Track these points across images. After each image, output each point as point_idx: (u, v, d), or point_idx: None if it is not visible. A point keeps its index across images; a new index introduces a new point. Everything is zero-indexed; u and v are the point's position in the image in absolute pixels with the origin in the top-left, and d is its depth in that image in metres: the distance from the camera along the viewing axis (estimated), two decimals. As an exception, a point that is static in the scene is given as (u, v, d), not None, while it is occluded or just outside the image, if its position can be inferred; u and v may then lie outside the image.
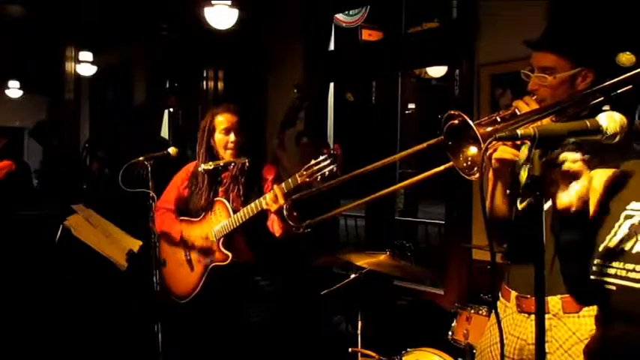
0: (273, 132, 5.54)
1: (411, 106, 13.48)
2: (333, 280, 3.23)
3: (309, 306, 4.26)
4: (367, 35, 8.56)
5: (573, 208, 1.49)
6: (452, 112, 1.66)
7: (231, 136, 3.06)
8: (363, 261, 2.99)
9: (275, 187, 2.81)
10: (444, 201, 4.73)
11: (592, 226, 1.53)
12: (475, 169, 1.65)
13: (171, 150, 3.28)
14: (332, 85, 5.57)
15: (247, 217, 2.92)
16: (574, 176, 1.47)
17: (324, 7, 5.45)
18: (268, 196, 2.81)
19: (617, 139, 1.42)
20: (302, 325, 4.21)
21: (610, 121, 1.41)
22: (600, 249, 1.44)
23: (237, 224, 2.96)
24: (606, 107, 1.65)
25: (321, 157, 2.65)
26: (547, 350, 1.97)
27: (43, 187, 7.71)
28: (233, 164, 3.07)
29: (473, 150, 1.64)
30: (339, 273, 4.21)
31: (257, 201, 2.88)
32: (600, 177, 1.66)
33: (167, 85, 8.55)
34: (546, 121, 1.79)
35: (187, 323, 3.26)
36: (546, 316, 1.97)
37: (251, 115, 5.66)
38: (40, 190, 7.82)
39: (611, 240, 1.43)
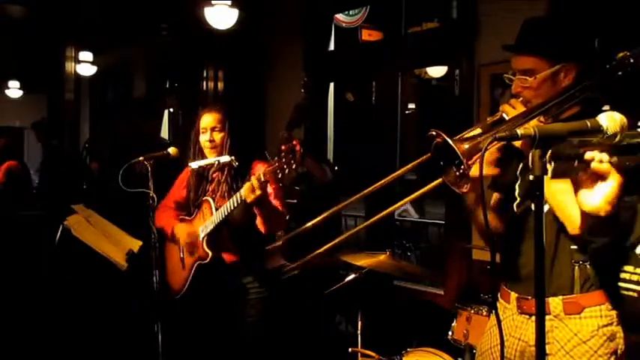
0: (273, 132, 5.54)
1: (411, 106, 13.45)
2: (333, 280, 3.24)
3: (309, 306, 4.26)
4: (367, 35, 8.55)
5: (602, 213, 1.45)
6: (432, 132, 1.66)
7: (208, 135, 3.09)
8: (363, 261, 2.99)
9: (252, 177, 2.81)
10: (444, 201, 4.72)
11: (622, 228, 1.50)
12: (464, 182, 1.66)
13: (171, 150, 3.30)
14: (332, 85, 5.57)
15: (227, 213, 2.94)
16: (600, 177, 1.45)
17: (324, 7, 5.45)
18: (245, 186, 2.82)
19: (617, 138, 1.42)
20: (302, 325, 4.21)
21: (610, 120, 1.41)
22: (637, 252, 1.41)
23: (219, 221, 2.98)
24: (606, 107, 1.65)
25: (282, 154, 2.65)
26: (548, 352, 1.96)
27: (43, 187, 7.71)
28: (217, 163, 3.08)
29: (459, 165, 1.64)
30: (339, 273, 4.21)
31: (234, 196, 2.90)
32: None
33: (167, 85, 8.55)
34: (533, 121, 1.79)
35: (180, 320, 3.30)
36: (547, 317, 1.96)
37: (251, 115, 5.68)
38: (40, 190, 7.81)
39: (634, 244, 1.40)
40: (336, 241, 2.17)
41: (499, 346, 2.06)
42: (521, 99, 1.96)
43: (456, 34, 4.28)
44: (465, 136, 1.72)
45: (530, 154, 1.40)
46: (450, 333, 3.15)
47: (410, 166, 2.07)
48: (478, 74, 3.96)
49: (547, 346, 1.96)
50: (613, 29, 3.12)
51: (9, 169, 6.12)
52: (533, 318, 1.94)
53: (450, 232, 4.45)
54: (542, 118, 1.83)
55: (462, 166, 1.56)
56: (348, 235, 2.36)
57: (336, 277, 3.52)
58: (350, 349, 3.14)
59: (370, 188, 2.15)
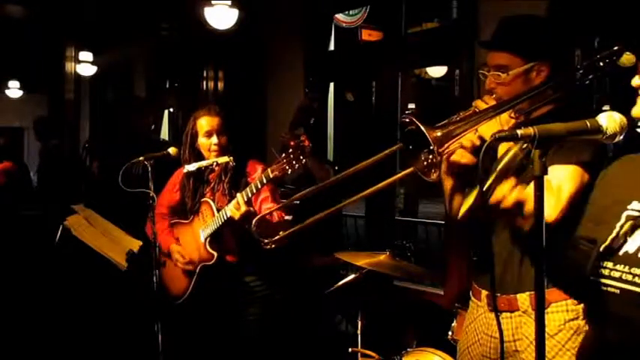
0: (273, 131, 5.54)
1: (411, 106, 13.47)
2: (333, 280, 3.24)
3: (309, 306, 4.26)
4: (367, 35, 8.58)
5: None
6: (406, 119, 1.67)
7: (214, 139, 3.09)
8: (363, 261, 2.99)
9: (238, 194, 2.83)
10: (443, 201, 4.71)
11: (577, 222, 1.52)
12: (432, 170, 1.67)
13: (171, 150, 3.29)
14: (332, 85, 5.57)
15: (224, 220, 2.95)
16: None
17: (324, 7, 5.45)
18: (231, 203, 2.84)
19: (617, 139, 1.42)
20: (302, 325, 4.21)
21: (610, 121, 1.41)
22: (601, 249, 1.40)
23: (220, 223, 2.99)
24: (606, 107, 1.65)
25: (290, 150, 2.67)
26: (518, 348, 1.99)
27: (43, 187, 7.71)
28: (216, 164, 3.09)
29: (430, 153, 1.65)
30: (339, 273, 4.21)
31: (222, 210, 2.93)
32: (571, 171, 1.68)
33: (167, 85, 8.55)
34: (504, 116, 1.80)
35: (184, 324, 3.28)
36: (516, 313, 1.99)
37: (251, 115, 5.68)
38: (40, 190, 7.81)
39: (614, 241, 1.39)
40: (315, 218, 2.20)
41: (476, 345, 2.09)
42: (494, 95, 1.98)
43: (456, 34, 4.28)
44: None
45: (532, 154, 1.40)
46: (450, 333, 3.14)
47: (379, 156, 2.10)
48: (478, 74, 3.95)
49: (517, 343, 1.99)
50: (614, 29, 3.12)
51: (4, 171, 6.10)
52: (504, 314, 1.99)
53: (450, 232, 4.45)
54: (512, 114, 1.85)
55: (433, 153, 1.58)
56: (332, 211, 2.34)
57: (336, 277, 3.52)
58: (350, 349, 3.14)
59: (369, 190, 2.16)
